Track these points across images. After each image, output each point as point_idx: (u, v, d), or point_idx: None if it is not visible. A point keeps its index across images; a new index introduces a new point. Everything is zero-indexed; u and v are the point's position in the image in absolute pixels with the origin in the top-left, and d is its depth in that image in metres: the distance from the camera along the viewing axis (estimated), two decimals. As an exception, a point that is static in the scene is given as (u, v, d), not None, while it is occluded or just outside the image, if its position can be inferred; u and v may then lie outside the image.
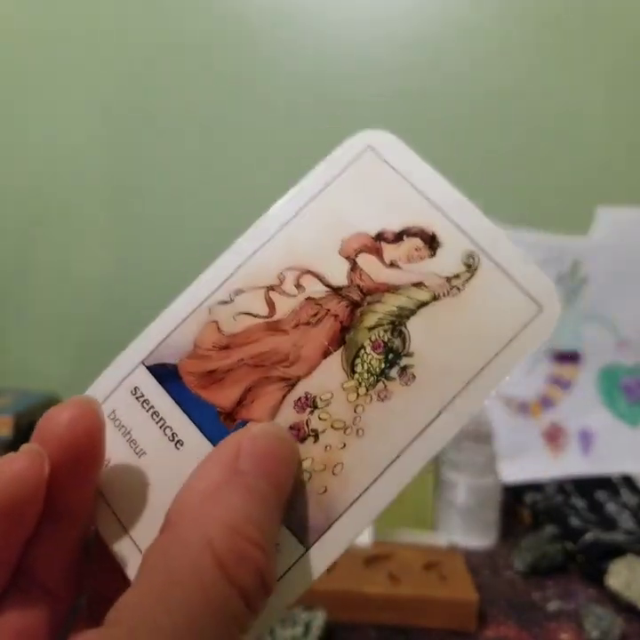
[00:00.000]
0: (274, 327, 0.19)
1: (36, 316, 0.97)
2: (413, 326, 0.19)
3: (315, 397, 0.18)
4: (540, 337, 0.19)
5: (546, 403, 0.86)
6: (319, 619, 0.45)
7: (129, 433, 0.19)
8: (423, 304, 0.19)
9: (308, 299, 0.19)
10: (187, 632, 0.12)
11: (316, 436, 0.18)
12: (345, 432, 0.18)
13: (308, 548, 0.17)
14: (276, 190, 0.92)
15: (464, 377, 0.18)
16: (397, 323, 0.19)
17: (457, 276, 0.19)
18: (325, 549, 0.17)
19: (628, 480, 0.74)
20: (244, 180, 0.93)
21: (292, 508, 0.17)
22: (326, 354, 0.19)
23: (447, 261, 0.19)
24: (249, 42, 0.92)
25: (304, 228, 0.20)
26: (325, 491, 0.17)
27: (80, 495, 0.17)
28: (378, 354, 0.18)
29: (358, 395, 0.18)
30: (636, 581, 0.51)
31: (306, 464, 0.18)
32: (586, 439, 0.84)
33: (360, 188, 0.21)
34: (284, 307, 0.19)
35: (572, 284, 0.85)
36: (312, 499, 0.17)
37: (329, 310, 0.19)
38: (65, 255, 0.95)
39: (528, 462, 0.81)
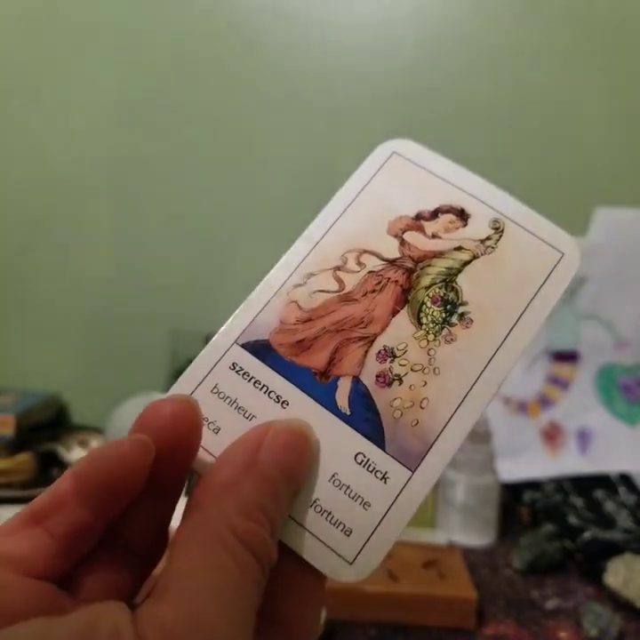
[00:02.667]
0: (346, 298, 0.23)
1: (37, 316, 0.97)
2: (462, 281, 0.23)
3: (392, 348, 0.22)
4: (567, 276, 0.24)
5: (544, 402, 0.86)
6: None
7: (235, 402, 0.21)
8: (466, 263, 0.23)
9: (370, 272, 0.23)
10: (230, 591, 0.15)
11: (400, 380, 0.21)
12: (424, 372, 0.22)
13: (413, 471, 0.20)
14: (276, 190, 0.92)
15: (514, 313, 0.22)
16: (448, 280, 0.23)
17: (488, 238, 0.24)
18: (428, 470, 0.20)
19: (626, 479, 0.74)
20: (245, 179, 0.93)
21: (394, 441, 0.20)
22: (394, 313, 0.23)
23: (478, 228, 0.24)
24: (251, 43, 0.92)
25: (355, 219, 0.25)
26: (417, 423, 0.21)
27: (173, 479, 0.19)
28: (437, 306, 0.23)
29: (428, 341, 0.22)
30: (633, 580, 0.51)
31: (396, 403, 0.21)
32: (584, 438, 0.84)
33: (394, 183, 0.25)
34: (351, 281, 0.23)
35: (570, 284, 0.86)
36: (407, 431, 0.21)
37: (389, 278, 0.23)
38: (66, 256, 0.95)
39: (527, 461, 0.81)
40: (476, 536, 0.64)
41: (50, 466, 0.78)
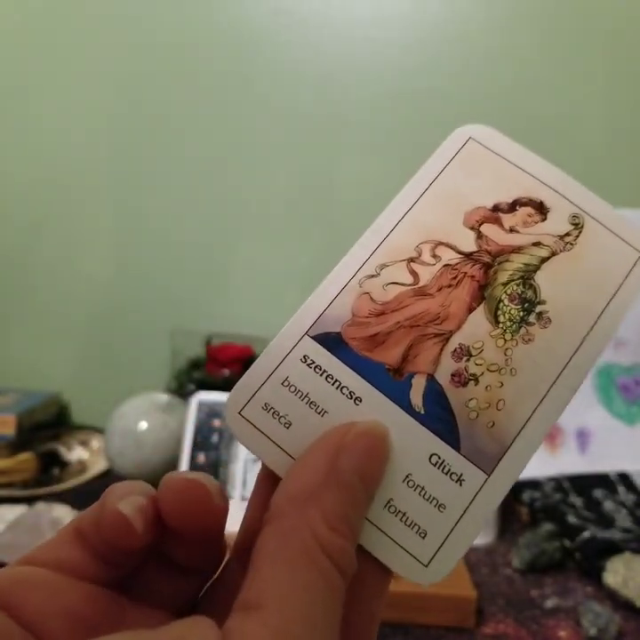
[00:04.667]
0: (420, 292, 0.22)
1: (38, 316, 0.97)
2: (540, 279, 0.22)
3: (468, 347, 0.21)
4: None
5: (544, 402, 0.86)
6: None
7: (306, 396, 0.20)
8: (545, 259, 0.23)
9: (446, 265, 0.22)
10: (319, 609, 0.15)
11: (476, 380, 0.21)
12: (500, 373, 0.21)
13: (489, 475, 0.20)
14: (276, 190, 0.92)
15: (593, 313, 0.22)
16: (526, 277, 0.22)
17: (568, 234, 0.23)
18: (504, 474, 0.20)
19: (625, 478, 0.74)
20: (245, 180, 0.94)
21: (470, 442, 0.20)
22: (471, 309, 0.22)
23: (557, 223, 0.23)
24: (251, 43, 0.92)
25: (429, 209, 0.24)
26: (493, 424, 0.20)
27: (204, 538, 0.19)
28: (515, 305, 0.22)
29: (505, 340, 0.21)
30: (633, 579, 0.51)
31: (472, 404, 0.20)
32: (583, 438, 0.84)
33: (470, 171, 0.24)
34: (426, 274, 0.22)
35: None
36: (483, 433, 0.20)
37: (465, 273, 0.22)
38: (66, 257, 0.95)
39: (526, 461, 0.82)
40: (476, 535, 0.64)
41: (51, 465, 0.78)
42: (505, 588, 0.55)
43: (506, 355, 0.21)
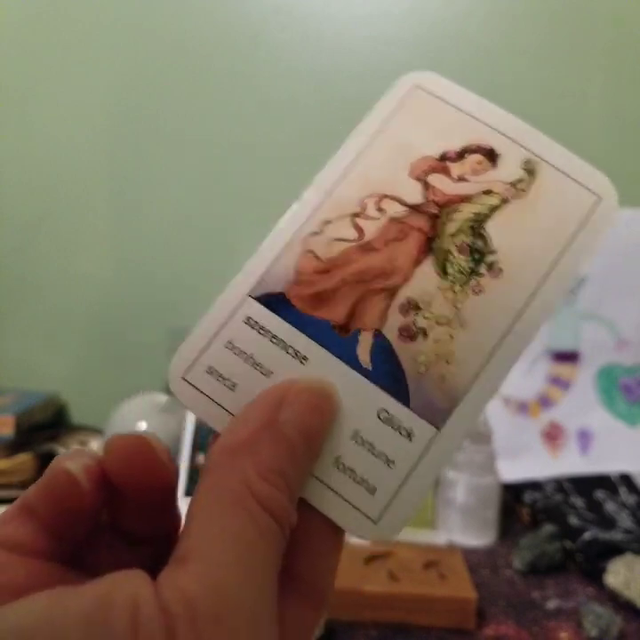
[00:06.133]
0: (366, 247, 0.21)
1: (36, 316, 0.97)
2: (491, 228, 0.21)
3: (416, 301, 0.21)
4: (604, 224, 0.22)
5: (545, 402, 0.86)
6: (320, 617, 0.45)
7: (251, 357, 0.20)
8: (495, 208, 0.22)
9: (392, 219, 0.22)
10: (251, 557, 0.15)
11: (425, 333, 0.20)
12: (450, 326, 0.20)
13: (439, 429, 0.19)
14: (275, 189, 0.92)
15: (546, 263, 0.21)
16: (476, 226, 0.21)
17: (520, 180, 0.22)
18: (454, 428, 0.19)
19: (626, 479, 0.74)
20: (245, 179, 0.94)
21: (419, 397, 0.19)
22: (418, 262, 0.21)
23: (508, 169, 0.22)
24: (250, 41, 0.92)
25: (374, 160, 0.23)
26: (444, 379, 0.20)
27: (152, 494, 0.18)
28: (464, 255, 0.21)
29: (454, 292, 0.21)
30: (634, 580, 0.51)
31: (421, 358, 0.20)
32: (585, 439, 0.84)
33: (416, 120, 0.23)
34: (371, 229, 0.22)
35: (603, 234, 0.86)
36: (433, 387, 0.20)
37: (412, 225, 0.22)
38: (66, 256, 0.95)
39: (527, 461, 0.81)
40: (477, 536, 0.64)
41: (49, 466, 0.78)
42: (506, 589, 0.55)
43: (456, 307, 0.20)
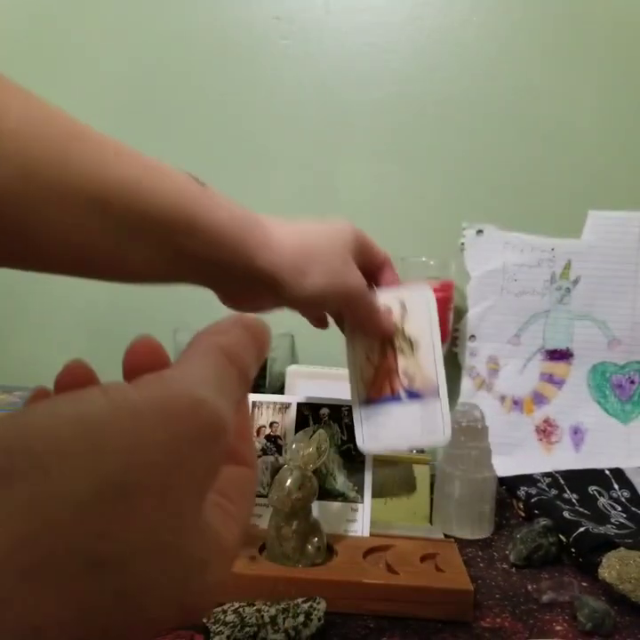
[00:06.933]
0: (372, 362, 0.56)
1: (44, 315, 0.97)
2: (406, 330, 0.57)
3: (406, 370, 0.55)
4: (433, 307, 0.57)
5: (539, 399, 0.87)
6: (319, 609, 0.45)
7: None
8: (401, 325, 0.58)
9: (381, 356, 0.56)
10: (219, 377, 0.19)
11: (414, 376, 0.55)
12: (418, 369, 0.55)
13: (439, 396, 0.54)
14: (276, 191, 0.92)
15: (428, 334, 0.56)
16: (402, 333, 0.57)
17: (402, 314, 0.57)
18: (444, 393, 0.54)
19: (619, 475, 0.75)
20: (245, 180, 0.94)
21: (424, 390, 0.55)
22: (396, 361, 0.56)
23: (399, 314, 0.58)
24: (254, 49, 0.93)
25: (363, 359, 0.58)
26: (427, 380, 0.55)
27: None
28: (407, 345, 0.57)
29: (410, 357, 0.55)
30: (628, 574, 0.52)
31: (417, 384, 0.54)
32: (578, 435, 0.85)
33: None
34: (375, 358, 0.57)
35: (564, 283, 0.86)
36: (429, 389, 0.55)
37: (387, 351, 0.56)
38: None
39: (522, 457, 0.82)
40: (473, 530, 0.64)
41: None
42: (501, 582, 0.56)
43: (415, 361, 0.54)
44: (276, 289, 0.45)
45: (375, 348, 0.54)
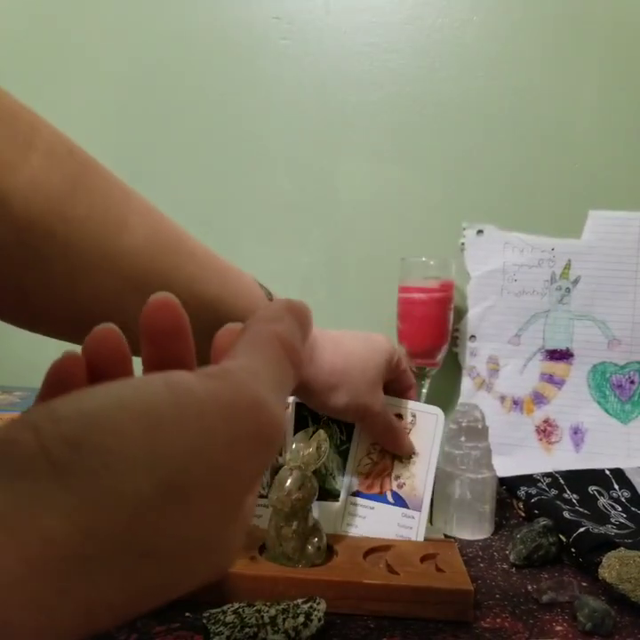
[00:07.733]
0: (379, 466, 0.63)
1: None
2: (412, 439, 0.63)
3: (399, 475, 0.61)
4: (441, 427, 0.63)
5: (539, 399, 0.87)
6: (319, 609, 0.45)
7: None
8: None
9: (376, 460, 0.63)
10: (275, 368, 0.20)
11: (405, 483, 0.61)
12: (411, 475, 0.62)
13: (420, 511, 0.60)
14: (277, 191, 0.92)
15: (429, 447, 0.62)
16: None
17: (412, 421, 0.63)
18: (425, 509, 0.59)
19: (619, 475, 0.75)
20: (246, 181, 0.94)
21: (413, 504, 0.60)
22: (393, 464, 0.62)
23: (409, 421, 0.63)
24: (254, 48, 0.93)
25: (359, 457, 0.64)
26: (413, 489, 0.60)
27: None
28: (406, 458, 0.63)
29: (405, 467, 0.62)
30: (628, 574, 0.52)
31: (406, 490, 0.60)
32: (578, 435, 0.85)
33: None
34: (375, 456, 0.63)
35: (564, 283, 0.86)
36: (414, 498, 0.60)
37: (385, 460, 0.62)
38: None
39: (522, 457, 0.82)
40: (473, 530, 0.64)
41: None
42: (502, 582, 0.56)
43: (409, 470, 0.60)
44: (303, 393, 0.54)
45: (378, 447, 0.61)
